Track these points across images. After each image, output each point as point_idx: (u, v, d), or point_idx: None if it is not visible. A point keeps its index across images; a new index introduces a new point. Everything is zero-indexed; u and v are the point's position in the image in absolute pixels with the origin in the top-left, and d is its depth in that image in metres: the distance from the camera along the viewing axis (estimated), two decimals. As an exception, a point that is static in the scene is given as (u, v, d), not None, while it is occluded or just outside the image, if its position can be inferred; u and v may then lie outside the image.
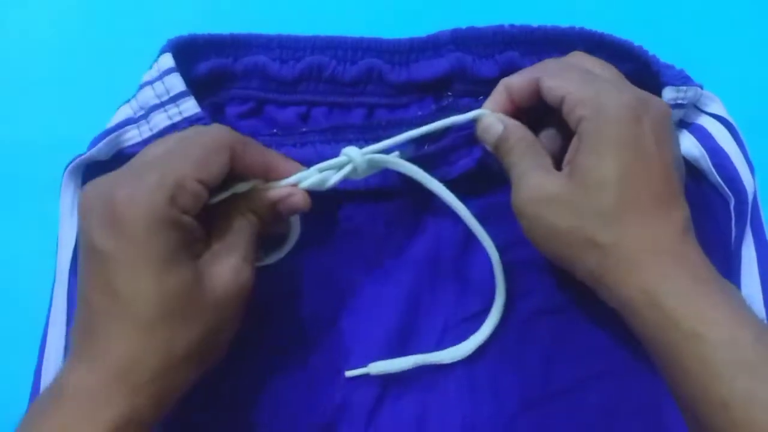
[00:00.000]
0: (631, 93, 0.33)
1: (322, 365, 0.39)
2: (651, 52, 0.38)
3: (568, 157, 0.34)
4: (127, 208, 0.29)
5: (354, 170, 0.36)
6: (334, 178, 0.36)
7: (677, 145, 0.35)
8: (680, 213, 0.32)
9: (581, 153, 0.33)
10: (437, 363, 0.39)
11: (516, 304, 0.40)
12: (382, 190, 0.39)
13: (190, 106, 0.37)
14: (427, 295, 0.40)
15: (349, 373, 0.38)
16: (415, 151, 0.38)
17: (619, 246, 0.31)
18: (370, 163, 0.36)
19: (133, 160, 0.32)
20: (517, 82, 0.36)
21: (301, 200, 0.35)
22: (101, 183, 0.31)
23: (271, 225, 0.36)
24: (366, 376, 0.39)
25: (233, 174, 0.33)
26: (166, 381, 0.30)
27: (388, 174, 0.38)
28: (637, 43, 0.38)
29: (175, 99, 0.37)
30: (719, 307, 0.30)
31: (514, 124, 0.36)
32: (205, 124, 0.37)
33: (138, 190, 0.30)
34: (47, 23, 0.47)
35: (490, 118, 0.37)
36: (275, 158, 0.35)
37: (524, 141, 0.36)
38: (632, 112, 0.32)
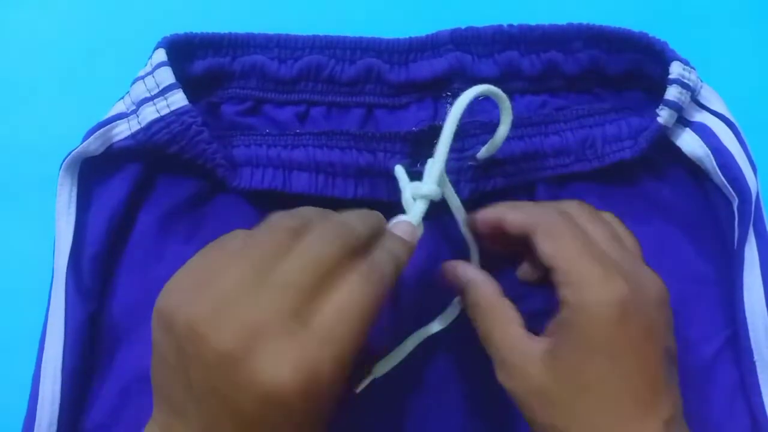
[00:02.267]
0: (621, 281, 0.30)
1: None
2: (660, 39, 0.38)
3: (552, 326, 0.32)
4: (303, 398, 0.25)
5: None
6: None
7: (670, 324, 0.32)
8: (664, 411, 0.30)
9: (563, 345, 0.31)
10: (430, 334, 0.38)
11: (517, 305, 0.40)
12: (371, 201, 0.39)
13: (177, 99, 0.37)
14: (427, 295, 0.40)
15: (358, 389, 0.37)
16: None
17: None
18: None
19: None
20: (513, 221, 0.34)
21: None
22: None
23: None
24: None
25: None
26: None
27: (376, 184, 0.38)
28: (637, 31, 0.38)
29: (164, 92, 0.37)
30: None
31: (477, 280, 0.34)
32: (192, 116, 0.37)
33: (320, 375, 0.26)
34: (47, 23, 0.47)
35: (454, 268, 0.35)
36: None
37: (488, 301, 0.34)
38: (619, 309, 0.30)
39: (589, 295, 0.30)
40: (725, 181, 0.38)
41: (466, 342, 0.39)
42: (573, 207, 0.34)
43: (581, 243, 0.32)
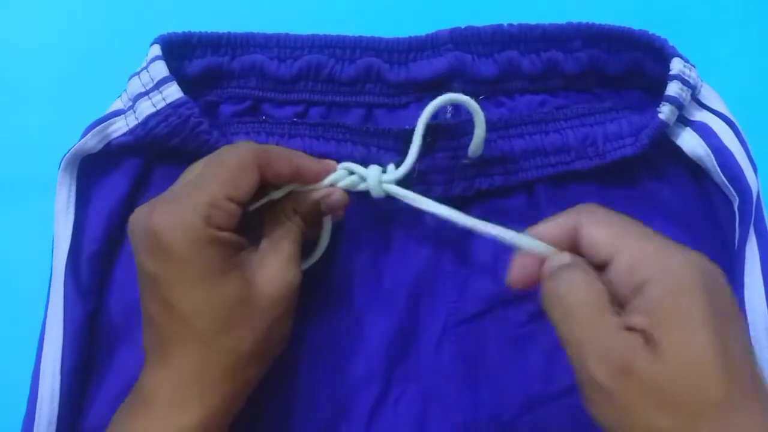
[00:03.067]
0: (694, 253, 0.28)
1: (322, 365, 0.39)
2: (659, 36, 0.38)
3: (636, 318, 0.27)
4: (167, 233, 0.31)
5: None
6: (360, 186, 0.37)
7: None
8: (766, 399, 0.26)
9: (662, 329, 0.26)
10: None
11: (517, 306, 0.40)
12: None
13: (172, 92, 0.37)
14: (427, 296, 0.40)
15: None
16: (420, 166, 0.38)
17: None
18: (386, 190, 0.37)
19: (171, 187, 0.34)
20: (549, 231, 0.31)
21: (340, 197, 0.37)
22: (142, 210, 0.33)
23: (313, 225, 0.37)
24: (367, 378, 0.39)
25: (268, 182, 0.35)
26: (235, 382, 0.33)
27: None
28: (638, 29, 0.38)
29: (158, 85, 0.37)
30: None
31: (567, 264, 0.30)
32: (189, 108, 0.37)
33: (175, 216, 0.32)
34: (47, 23, 0.47)
35: (559, 257, 0.31)
36: (304, 161, 0.36)
37: (582, 287, 0.29)
38: (705, 276, 0.27)
39: (674, 261, 0.27)
40: (726, 181, 0.37)
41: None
42: (592, 207, 0.31)
43: (632, 223, 0.30)
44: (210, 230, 0.32)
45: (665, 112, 0.37)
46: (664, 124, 0.37)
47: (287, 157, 0.35)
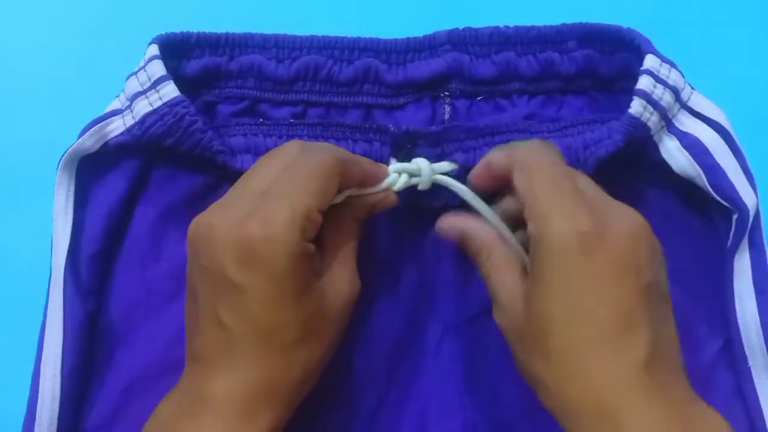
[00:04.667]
0: (586, 215, 0.30)
1: (326, 366, 0.39)
2: (644, 35, 0.38)
3: (529, 266, 0.32)
4: (263, 245, 0.30)
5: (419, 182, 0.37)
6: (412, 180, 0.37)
7: (652, 260, 0.31)
8: (640, 351, 0.29)
9: (531, 281, 0.31)
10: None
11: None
12: None
13: (169, 90, 0.37)
14: (428, 296, 0.40)
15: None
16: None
17: (571, 397, 0.29)
18: (434, 180, 0.37)
19: (247, 185, 0.33)
20: (496, 160, 0.35)
21: (394, 199, 0.37)
22: (224, 216, 0.32)
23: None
24: (367, 377, 0.39)
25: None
26: (301, 393, 0.33)
27: None
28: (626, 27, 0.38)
29: (155, 84, 0.37)
30: None
31: (473, 228, 0.35)
32: (185, 107, 0.37)
33: (272, 228, 0.30)
34: (47, 23, 0.47)
35: (447, 222, 0.36)
36: (369, 166, 0.36)
37: (485, 247, 0.34)
38: (581, 242, 0.29)
39: (550, 228, 0.30)
40: (720, 199, 0.37)
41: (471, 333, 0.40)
42: (531, 147, 0.34)
43: (554, 176, 0.32)
44: (304, 244, 0.31)
45: (635, 106, 0.36)
46: (635, 119, 0.36)
47: (357, 162, 0.35)
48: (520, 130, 0.39)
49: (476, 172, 0.36)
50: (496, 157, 0.35)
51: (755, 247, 0.37)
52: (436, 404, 0.39)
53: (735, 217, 0.37)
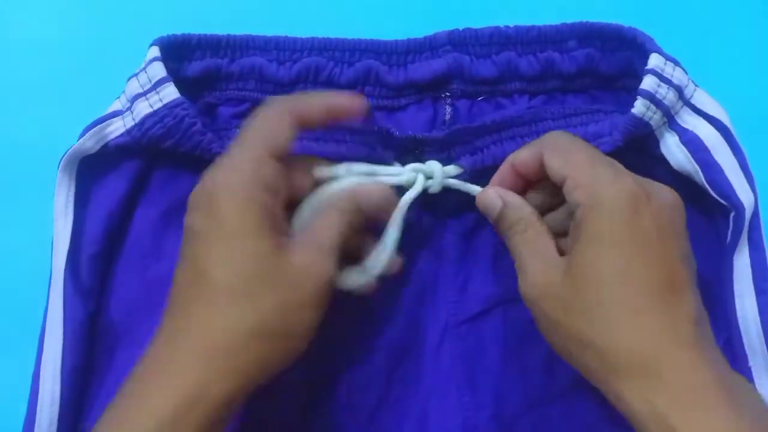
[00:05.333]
0: (631, 180, 0.31)
1: (323, 367, 0.39)
2: (647, 34, 0.38)
3: (569, 241, 0.33)
4: (216, 191, 0.32)
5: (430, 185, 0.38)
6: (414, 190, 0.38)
7: (686, 238, 0.33)
8: (686, 311, 0.30)
9: (577, 245, 0.31)
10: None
11: (517, 306, 0.40)
12: None
13: (169, 92, 0.37)
14: (428, 296, 0.40)
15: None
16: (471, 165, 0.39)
17: (618, 351, 0.30)
18: (445, 184, 0.38)
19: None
20: (522, 157, 0.35)
21: (382, 195, 0.36)
22: (208, 175, 0.33)
23: (359, 232, 0.36)
24: (368, 377, 0.39)
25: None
26: (239, 359, 0.31)
27: None
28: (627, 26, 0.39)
29: (155, 86, 0.37)
30: (724, 420, 0.28)
31: (514, 202, 0.35)
32: (185, 109, 0.37)
33: (224, 175, 0.32)
34: (47, 23, 0.47)
35: (489, 194, 0.36)
36: (334, 98, 0.36)
37: (523, 221, 0.35)
38: (630, 203, 0.31)
39: (600, 191, 0.31)
40: (717, 197, 0.37)
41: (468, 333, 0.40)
42: (556, 136, 0.35)
43: (590, 151, 0.33)
44: (257, 191, 0.32)
45: (638, 106, 0.36)
46: (637, 119, 0.37)
47: (317, 98, 0.35)
48: (525, 122, 0.39)
49: (501, 176, 0.36)
50: (520, 155, 0.35)
51: (755, 246, 0.37)
52: (436, 404, 0.39)
53: (732, 215, 0.37)
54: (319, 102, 0.35)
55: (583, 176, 0.32)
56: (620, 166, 0.33)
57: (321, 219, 0.34)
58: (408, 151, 0.38)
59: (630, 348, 0.29)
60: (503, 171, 0.36)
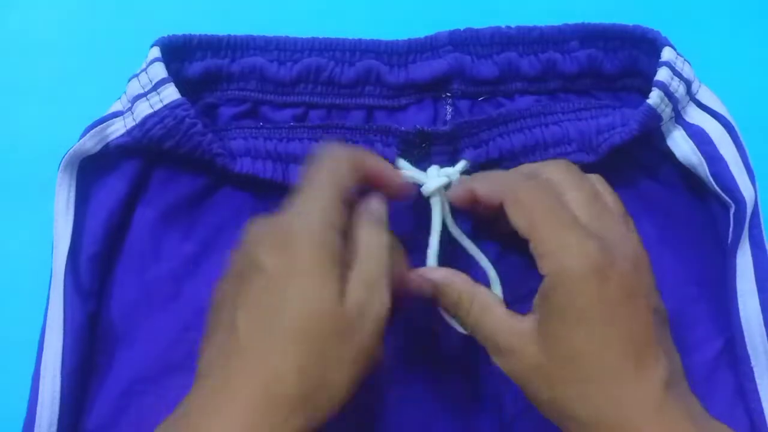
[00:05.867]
0: (595, 246, 0.30)
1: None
2: (655, 30, 0.38)
3: (536, 300, 0.32)
4: (296, 228, 0.31)
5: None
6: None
7: (654, 287, 0.33)
8: (659, 375, 0.30)
9: (547, 318, 0.31)
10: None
11: (517, 306, 0.39)
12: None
13: (170, 93, 0.37)
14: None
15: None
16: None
17: (599, 425, 0.30)
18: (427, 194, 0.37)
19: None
20: (483, 192, 0.35)
21: (406, 195, 0.37)
22: (276, 217, 0.32)
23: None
24: (368, 378, 0.39)
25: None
26: (310, 404, 0.29)
27: None
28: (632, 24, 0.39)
29: (156, 87, 0.37)
30: None
31: (446, 276, 0.35)
32: (185, 110, 0.37)
33: (299, 213, 0.31)
34: (47, 23, 0.47)
35: (414, 279, 0.35)
36: (391, 172, 0.36)
37: (466, 294, 0.34)
38: (596, 274, 0.30)
39: (563, 264, 0.30)
40: (719, 190, 0.37)
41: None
42: (551, 169, 0.34)
43: (552, 210, 0.32)
44: (330, 234, 0.31)
45: (653, 97, 0.37)
46: (652, 110, 0.37)
47: (379, 161, 0.35)
48: (533, 114, 0.39)
49: (458, 195, 0.36)
50: (482, 188, 0.35)
51: (756, 245, 0.37)
52: (437, 404, 0.39)
53: (732, 210, 0.37)
54: (380, 165, 0.35)
55: (546, 242, 0.31)
56: (583, 226, 0.32)
57: (367, 250, 0.32)
58: (414, 146, 0.38)
59: (609, 422, 0.30)
60: (462, 193, 0.36)
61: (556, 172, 0.34)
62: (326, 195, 0.32)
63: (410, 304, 0.36)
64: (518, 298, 0.39)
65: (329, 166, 0.33)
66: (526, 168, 0.36)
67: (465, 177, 0.38)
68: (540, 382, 0.31)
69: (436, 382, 0.40)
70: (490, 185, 0.35)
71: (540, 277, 0.38)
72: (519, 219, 0.32)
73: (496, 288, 0.38)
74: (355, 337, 0.30)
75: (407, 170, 0.38)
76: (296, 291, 0.30)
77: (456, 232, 0.38)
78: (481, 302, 0.34)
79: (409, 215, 0.39)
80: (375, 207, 0.34)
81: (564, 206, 0.32)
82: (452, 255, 0.38)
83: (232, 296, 0.31)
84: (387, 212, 0.35)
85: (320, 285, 0.30)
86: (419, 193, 0.38)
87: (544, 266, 0.31)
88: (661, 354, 0.31)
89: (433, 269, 0.36)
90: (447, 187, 0.37)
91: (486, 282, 0.37)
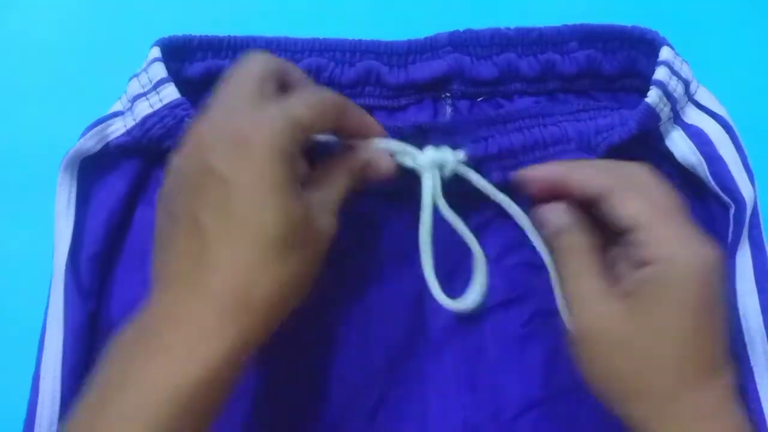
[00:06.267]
0: (711, 247, 0.32)
1: (324, 365, 0.39)
2: (646, 27, 0.38)
3: (630, 285, 0.32)
4: (254, 133, 0.30)
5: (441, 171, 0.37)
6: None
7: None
8: (729, 377, 0.32)
9: (651, 302, 0.31)
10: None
11: (517, 305, 0.40)
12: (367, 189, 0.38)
13: (169, 93, 0.37)
14: (428, 296, 0.40)
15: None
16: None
17: (673, 404, 0.31)
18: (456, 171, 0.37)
19: (227, 100, 0.32)
20: (580, 182, 0.34)
21: (389, 167, 0.36)
22: (216, 116, 0.31)
23: (359, 185, 0.36)
24: (368, 378, 0.39)
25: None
26: (271, 312, 0.30)
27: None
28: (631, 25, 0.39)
29: (156, 86, 0.37)
30: None
31: (575, 223, 0.35)
32: (185, 109, 0.37)
33: (263, 120, 0.30)
34: (47, 23, 0.47)
35: (553, 208, 0.35)
36: (372, 122, 0.36)
37: (582, 249, 0.34)
38: (707, 273, 0.31)
39: (677, 253, 0.31)
40: (719, 190, 0.38)
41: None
42: (637, 169, 0.34)
43: (661, 203, 0.33)
44: (292, 145, 0.30)
45: (652, 96, 0.37)
46: (651, 109, 0.37)
47: (359, 113, 0.35)
48: (532, 115, 0.39)
49: (543, 179, 0.36)
50: (581, 176, 0.34)
51: (756, 245, 0.37)
52: (436, 404, 0.39)
53: (732, 211, 0.37)
54: (360, 119, 0.35)
55: (660, 231, 0.32)
56: (693, 224, 0.33)
57: (330, 177, 0.34)
58: (411, 141, 0.38)
59: (686, 405, 0.31)
60: (551, 177, 0.35)
61: (640, 171, 0.34)
62: (292, 110, 0.31)
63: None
64: (515, 298, 0.39)
65: (315, 96, 0.33)
66: (605, 162, 0.36)
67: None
68: (616, 353, 0.32)
69: (434, 381, 0.40)
70: (590, 175, 0.34)
71: (539, 276, 0.38)
72: (628, 208, 0.32)
73: (481, 270, 0.38)
74: (315, 247, 0.32)
75: (402, 147, 0.37)
76: (259, 205, 0.29)
77: (447, 212, 0.37)
78: (586, 266, 0.34)
79: (401, 209, 0.39)
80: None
81: (679, 204, 0.33)
82: (441, 236, 0.38)
83: (190, 205, 0.30)
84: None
85: (282, 195, 0.30)
86: (411, 180, 0.37)
87: (653, 254, 0.31)
88: (729, 362, 0.32)
89: (564, 213, 0.35)
90: (441, 168, 0.37)
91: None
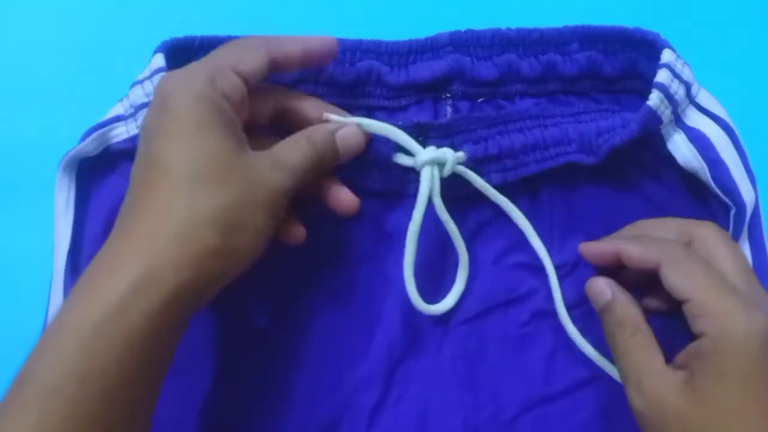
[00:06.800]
0: (761, 315, 0.32)
1: (324, 365, 0.39)
2: (647, 29, 0.38)
3: (684, 357, 0.33)
4: (171, 90, 0.32)
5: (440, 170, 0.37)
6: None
7: None
8: None
9: (705, 375, 0.32)
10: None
11: (517, 306, 0.40)
12: (363, 190, 0.39)
13: None
14: (430, 295, 0.40)
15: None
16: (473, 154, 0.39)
17: None
18: (456, 171, 0.37)
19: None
20: (632, 256, 0.35)
21: (359, 139, 0.37)
22: (158, 86, 0.34)
23: (329, 162, 0.36)
24: (367, 377, 0.39)
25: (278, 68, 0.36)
26: (191, 248, 0.30)
27: (369, 174, 0.39)
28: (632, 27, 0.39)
29: None
30: None
31: (622, 299, 0.36)
32: None
33: (181, 76, 0.33)
34: (47, 23, 0.47)
35: (599, 283, 0.37)
36: (311, 42, 0.36)
37: (630, 321, 0.35)
38: (761, 342, 0.31)
39: (728, 327, 0.31)
40: (720, 193, 0.38)
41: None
42: (703, 230, 0.35)
43: (711, 275, 0.33)
44: (211, 90, 0.32)
45: (653, 99, 0.37)
46: (652, 112, 0.37)
47: (293, 41, 0.36)
48: (532, 116, 0.39)
49: (602, 254, 0.37)
50: (633, 251, 0.35)
51: (756, 245, 0.38)
52: (436, 404, 0.39)
53: (732, 212, 0.38)
54: (295, 45, 0.36)
55: (711, 304, 0.32)
56: (741, 290, 0.33)
57: (288, 142, 0.35)
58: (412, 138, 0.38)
59: None
60: (609, 252, 0.37)
61: (709, 234, 0.35)
62: (215, 62, 0.33)
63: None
64: (515, 298, 0.39)
65: (232, 46, 0.35)
66: (674, 224, 0.37)
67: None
68: (680, 426, 0.32)
69: (434, 381, 0.40)
70: (642, 249, 0.35)
71: (539, 277, 0.39)
72: (679, 281, 0.33)
73: (463, 273, 0.38)
74: (245, 195, 0.32)
75: (404, 142, 0.37)
76: (180, 145, 0.31)
77: (442, 213, 0.37)
78: (641, 339, 0.34)
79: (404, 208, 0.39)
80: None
81: (720, 271, 0.34)
82: (430, 233, 0.39)
83: (136, 168, 0.32)
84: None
85: (200, 139, 0.31)
86: (410, 179, 0.38)
87: (704, 327, 0.32)
88: None
89: (613, 284, 0.36)
90: (441, 166, 0.37)
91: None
